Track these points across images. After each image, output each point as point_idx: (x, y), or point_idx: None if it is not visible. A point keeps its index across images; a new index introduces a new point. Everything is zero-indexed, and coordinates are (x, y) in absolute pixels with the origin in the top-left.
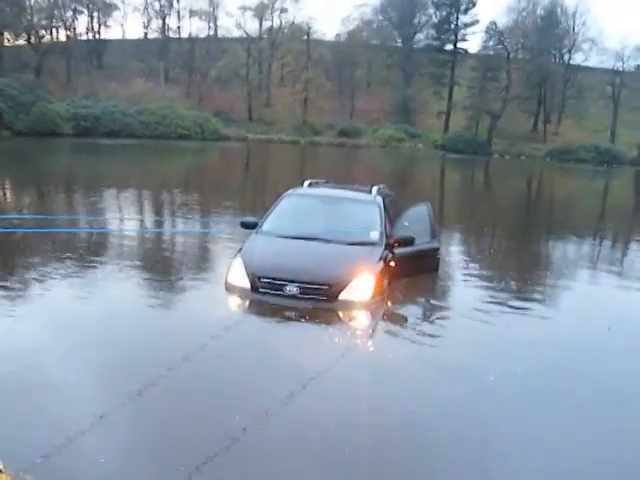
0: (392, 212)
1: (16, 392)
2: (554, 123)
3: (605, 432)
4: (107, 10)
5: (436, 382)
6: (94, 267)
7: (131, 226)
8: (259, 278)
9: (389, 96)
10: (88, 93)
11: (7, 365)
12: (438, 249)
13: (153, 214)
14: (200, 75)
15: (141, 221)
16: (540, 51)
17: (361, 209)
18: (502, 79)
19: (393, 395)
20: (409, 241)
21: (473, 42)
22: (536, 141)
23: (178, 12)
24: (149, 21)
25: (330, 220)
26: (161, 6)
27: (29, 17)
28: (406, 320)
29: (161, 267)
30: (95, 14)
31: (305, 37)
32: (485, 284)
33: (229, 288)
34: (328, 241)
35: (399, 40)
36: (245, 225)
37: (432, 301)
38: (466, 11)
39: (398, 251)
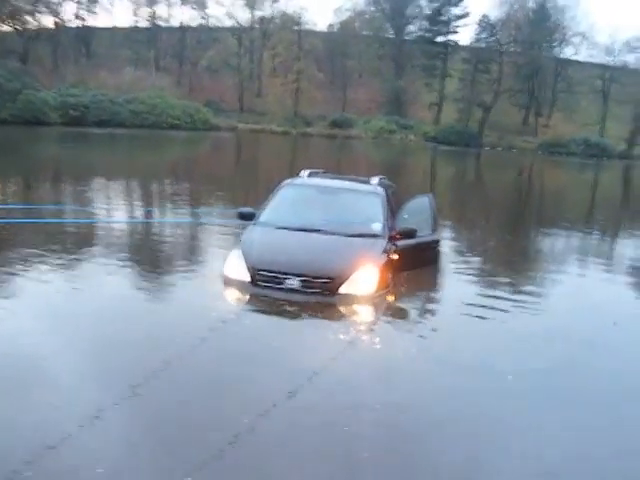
0: (394, 203)
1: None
2: (545, 116)
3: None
4: None
5: (438, 376)
6: (82, 260)
7: (121, 217)
8: (258, 271)
9: (381, 87)
10: (76, 81)
11: None
12: (439, 241)
13: (143, 204)
14: (191, 64)
15: (131, 211)
16: (531, 44)
17: (363, 200)
18: (494, 71)
19: (394, 392)
20: (411, 233)
21: (465, 34)
22: (527, 134)
23: (168, 0)
24: (138, 9)
25: (331, 211)
26: None
27: (14, 2)
28: (408, 314)
29: (154, 259)
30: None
31: (297, 27)
32: (483, 277)
33: (227, 281)
34: (329, 233)
35: (391, 31)
36: (243, 216)
37: (433, 294)
38: (457, 3)
39: (399, 243)
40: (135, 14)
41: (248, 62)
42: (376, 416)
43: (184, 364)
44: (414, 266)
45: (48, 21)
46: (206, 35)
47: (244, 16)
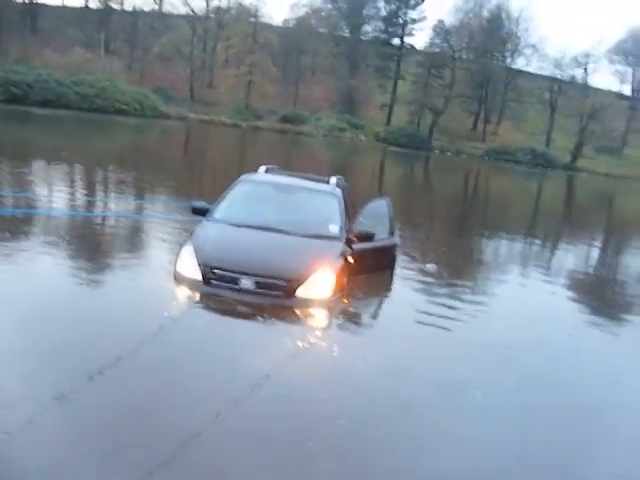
0: (350, 205)
1: None
2: (493, 124)
3: None
4: None
5: (390, 383)
6: (14, 252)
7: (63, 205)
8: (211, 269)
9: (334, 85)
10: (20, 58)
11: None
12: (396, 246)
13: (86, 191)
14: (142, 50)
15: (72, 199)
16: (484, 52)
17: (320, 200)
18: (446, 77)
19: (347, 399)
20: (369, 237)
21: (420, 38)
22: (475, 140)
23: None
24: None
25: (288, 210)
26: None
27: None
28: (362, 318)
29: (95, 252)
30: None
31: (253, 19)
32: (438, 281)
33: (178, 279)
34: (285, 232)
35: (347, 30)
36: (196, 210)
37: (388, 299)
38: (414, 7)
39: (356, 247)
40: None
41: (201, 51)
42: (325, 429)
43: (124, 365)
44: (370, 270)
45: None
46: (160, 21)
47: (199, 4)
